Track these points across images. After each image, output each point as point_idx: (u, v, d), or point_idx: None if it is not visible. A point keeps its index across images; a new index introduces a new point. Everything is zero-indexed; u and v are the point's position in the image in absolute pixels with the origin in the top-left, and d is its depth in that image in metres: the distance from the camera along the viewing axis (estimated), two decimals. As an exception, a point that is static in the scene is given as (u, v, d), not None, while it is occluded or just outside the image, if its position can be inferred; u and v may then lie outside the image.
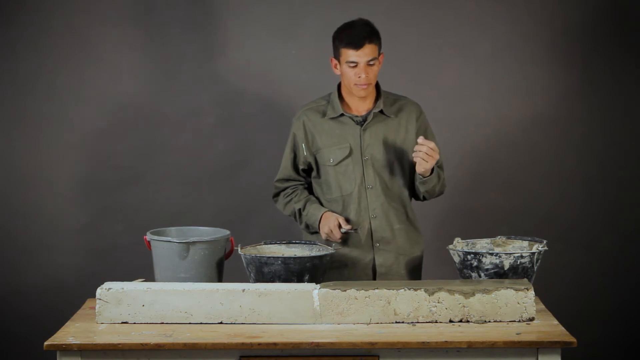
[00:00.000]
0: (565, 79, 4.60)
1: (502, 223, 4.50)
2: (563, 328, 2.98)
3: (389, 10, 4.53)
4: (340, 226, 3.53)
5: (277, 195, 3.75)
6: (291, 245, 3.47)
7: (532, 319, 3.03)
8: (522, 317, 3.03)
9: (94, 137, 4.56)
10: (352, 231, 3.52)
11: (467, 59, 4.59)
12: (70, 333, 2.95)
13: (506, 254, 3.23)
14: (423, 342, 2.85)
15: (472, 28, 4.58)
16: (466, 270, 3.29)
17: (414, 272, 3.67)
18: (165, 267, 3.36)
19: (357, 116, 3.61)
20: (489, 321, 3.02)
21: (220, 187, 4.60)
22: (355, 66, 3.49)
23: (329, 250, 3.37)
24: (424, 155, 3.42)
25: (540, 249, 3.29)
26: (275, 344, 2.85)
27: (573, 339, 2.87)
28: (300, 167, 3.70)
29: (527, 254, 3.24)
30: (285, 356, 2.87)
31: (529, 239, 3.42)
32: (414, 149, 3.45)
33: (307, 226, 3.64)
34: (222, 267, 3.43)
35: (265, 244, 3.47)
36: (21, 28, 4.50)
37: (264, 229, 4.50)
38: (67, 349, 2.85)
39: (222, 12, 4.55)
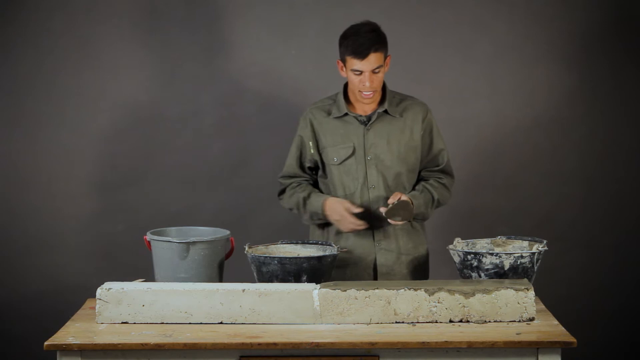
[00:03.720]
0: (566, 79, 4.60)
1: (502, 223, 4.50)
2: (563, 328, 2.98)
3: (389, 10, 4.53)
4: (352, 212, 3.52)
5: (282, 192, 3.74)
6: (307, 245, 3.47)
7: (532, 319, 3.03)
8: (522, 317, 3.03)
9: (94, 137, 4.56)
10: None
11: (467, 59, 4.59)
12: (71, 333, 2.95)
13: (506, 254, 3.23)
14: (423, 342, 2.85)
15: (472, 28, 4.58)
16: (466, 270, 3.29)
17: (418, 272, 3.66)
18: (165, 267, 3.36)
19: (361, 116, 3.61)
20: (489, 321, 3.02)
21: (220, 187, 4.60)
22: (360, 74, 3.49)
23: (332, 251, 3.36)
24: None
25: (540, 249, 3.29)
26: (275, 344, 2.85)
27: (573, 339, 2.87)
28: (307, 165, 3.70)
29: (527, 254, 3.24)
30: (285, 356, 2.87)
31: (529, 239, 3.42)
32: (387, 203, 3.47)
33: (312, 216, 3.63)
34: (222, 267, 3.44)
35: (282, 243, 3.47)
36: (21, 28, 4.50)
37: (264, 229, 4.50)
38: (67, 349, 2.85)
39: (222, 12, 4.55)
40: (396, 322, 3.02)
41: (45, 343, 2.87)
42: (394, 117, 3.61)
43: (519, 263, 3.23)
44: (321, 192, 3.68)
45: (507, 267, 3.23)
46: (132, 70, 4.55)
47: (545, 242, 3.32)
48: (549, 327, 2.98)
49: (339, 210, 3.52)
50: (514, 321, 3.03)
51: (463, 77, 4.60)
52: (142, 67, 4.55)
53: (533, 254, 3.25)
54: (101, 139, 4.56)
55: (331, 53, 4.58)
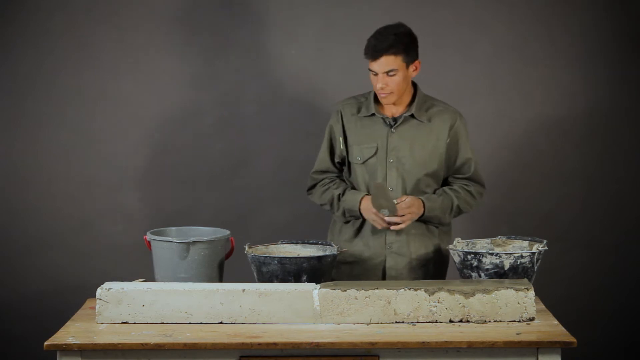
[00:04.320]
0: (566, 79, 4.60)
1: (502, 223, 4.50)
2: (563, 328, 2.98)
3: (389, 10, 4.53)
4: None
5: (312, 187, 3.73)
6: (307, 245, 3.47)
7: (532, 319, 3.03)
8: (522, 317, 3.03)
9: (94, 137, 4.56)
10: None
11: (467, 59, 4.59)
12: (71, 333, 2.95)
13: (506, 254, 3.23)
14: (423, 342, 2.85)
15: (472, 28, 4.58)
16: (466, 270, 3.29)
17: (430, 278, 3.62)
18: (165, 267, 3.36)
19: (388, 117, 3.61)
20: (489, 321, 3.02)
21: (220, 187, 4.60)
22: (376, 75, 3.50)
23: (332, 251, 3.36)
24: (405, 217, 3.46)
25: (540, 249, 3.29)
26: (275, 344, 2.85)
27: (573, 339, 2.87)
28: (336, 160, 3.70)
29: (527, 254, 3.24)
30: (285, 356, 2.87)
31: (529, 239, 3.41)
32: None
33: (344, 213, 3.62)
34: (222, 267, 3.44)
35: (282, 243, 3.47)
36: (21, 28, 4.50)
37: (264, 229, 4.49)
38: (67, 349, 2.85)
39: (222, 13, 4.55)
40: (396, 322, 3.02)
41: (45, 343, 2.87)
42: (421, 122, 3.60)
43: (519, 263, 3.23)
44: (353, 188, 3.67)
45: (507, 267, 3.23)
46: (131, 70, 4.55)
47: (545, 242, 3.32)
48: (549, 327, 2.98)
49: (373, 209, 3.50)
50: (514, 321, 3.03)
51: (463, 77, 4.60)
52: (142, 67, 4.55)
53: (533, 254, 3.25)
54: (101, 139, 4.56)
55: (331, 53, 4.59)
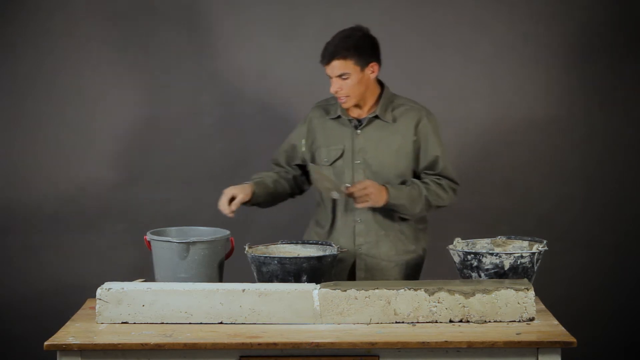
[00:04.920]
0: (566, 78, 4.60)
1: (502, 223, 4.50)
2: (563, 328, 2.98)
3: (389, 10, 4.54)
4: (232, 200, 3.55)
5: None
6: (307, 245, 3.47)
7: (532, 319, 3.03)
8: (522, 317, 3.03)
9: (94, 137, 4.56)
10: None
11: (467, 59, 4.59)
12: (71, 333, 2.95)
13: (506, 254, 3.23)
14: (423, 342, 2.85)
15: (472, 28, 4.58)
16: (466, 270, 3.29)
17: (401, 279, 3.64)
18: (165, 267, 3.36)
19: (353, 119, 3.62)
20: (489, 321, 3.02)
21: (220, 187, 4.58)
22: (331, 78, 3.51)
23: (332, 251, 3.36)
24: (361, 198, 3.45)
25: (540, 249, 3.29)
26: (275, 344, 2.85)
27: (573, 339, 2.87)
28: (295, 162, 3.73)
29: (527, 254, 3.24)
30: (285, 356, 2.87)
31: (529, 239, 3.41)
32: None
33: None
34: (222, 267, 3.43)
35: (282, 243, 3.47)
36: (21, 28, 4.50)
37: (264, 229, 4.49)
38: (67, 349, 2.85)
39: (222, 13, 4.55)
40: (396, 322, 3.02)
41: (45, 343, 2.87)
42: (386, 123, 3.61)
43: (519, 263, 3.23)
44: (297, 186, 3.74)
45: (507, 267, 3.23)
46: (131, 70, 4.55)
47: (545, 242, 3.32)
48: (549, 327, 2.98)
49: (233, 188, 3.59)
50: (514, 321, 3.03)
51: (463, 77, 4.60)
52: (142, 67, 4.55)
53: (533, 254, 3.25)
54: (101, 139, 4.56)
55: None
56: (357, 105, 3.60)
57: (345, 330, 2.96)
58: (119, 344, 2.86)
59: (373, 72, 3.55)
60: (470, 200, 4.60)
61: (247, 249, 3.34)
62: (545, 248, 3.29)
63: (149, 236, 3.42)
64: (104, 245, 4.57)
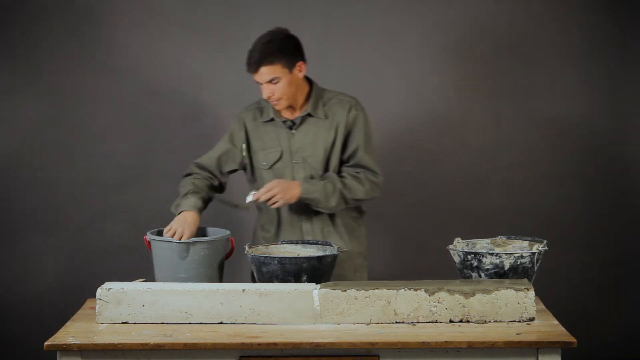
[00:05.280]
0: (566, 79, 4.60)
1: (502, 223, 4.50)
2: (563, 328, 2.98)
3: (389, 10, 4.53)
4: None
5: (188, 175, 3.72)
6: (307, 245, 3.47)
7: (532, 319, 3.03)
8: (522, 317, 3.03)
9: (94, 137, 4.56)
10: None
11: (467, 59, 4.59)
12: (71, 333, 2.95)
13: (506, 254, 3.23)
14: (423, 342, 2.85)
15: (471, 28, 4.58)
16: (466, 270, 3.29)
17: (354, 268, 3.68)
18: (165, 267, 3.36)
19: (287, 120, 3.63)
20: (489, 321, 3.02)
21: (220, 187, 4.59)
22: (261, 84, 3.53)
23: (332, 251, 3.36)
24: (269, 200, 3.48)
25: (540, 249, 3.29)
26: (275, 344, 2.85)
27: (573, 339, 2.87)
28: (227, 168, 3.70)
29: (527, 254, 3.24)
30: (285, 356, 2.87)
31: (529, 239, 3.41)
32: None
33: (175, 208, 3.59)
34: (222, 267, 3.43)
35: (282, 243, 3.47)
36: (21, 28, 4.50)
37: (264, 229, 4.49)
38: (67, 349, 2.85)
39: (222, 12, 4.55)
40: (396, 322, 3.02)
41: (45, 343, 2.87)
42: (320, 119, 3.63)
43: (519, 263, 3.23)
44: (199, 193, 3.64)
45: (507, 267, 3.23)
46: (131, 70, 4.55)
47: (545, 242, 3.32)
48: (549, 327, 2.98)
49: (182, 223, 3.44)
50: (514, 321, 3.03)
51: (463, 77, 4.60)
52: (142, 67, 4.55)
53: (533, 254, 3.25)
54: (101, 139, 4.56)
55: (331, 53, 4.58)
56: (289, 106, 3.62)
57: (345, 330, 2.96)
58: (119, 344, 2.86)
59: (300, 71, 3.58)
60: (470, 200, 4.60)
61: (247, 249, 3.34)
62: (545, 248, 3.29)
63: (149, 236, 3.42)
64: (104, 245, 4.57)
